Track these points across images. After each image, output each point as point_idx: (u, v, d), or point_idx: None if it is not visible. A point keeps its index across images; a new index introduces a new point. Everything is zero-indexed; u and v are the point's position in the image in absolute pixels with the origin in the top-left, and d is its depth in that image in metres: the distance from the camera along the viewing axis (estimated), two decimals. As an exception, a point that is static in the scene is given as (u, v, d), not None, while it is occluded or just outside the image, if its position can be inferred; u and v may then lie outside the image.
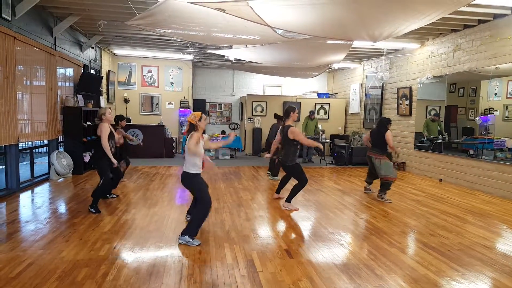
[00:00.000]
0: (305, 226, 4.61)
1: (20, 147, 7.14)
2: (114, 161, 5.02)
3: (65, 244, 3.71)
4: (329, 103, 13.29)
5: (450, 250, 3.85)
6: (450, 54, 7.94)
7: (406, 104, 9.56)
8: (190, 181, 3.93)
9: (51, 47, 7.25)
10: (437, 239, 4.20)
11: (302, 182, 5.51)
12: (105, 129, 4.99)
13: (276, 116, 9.40)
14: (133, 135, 10.60)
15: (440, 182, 8.00)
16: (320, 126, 12.50)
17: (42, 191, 6.23)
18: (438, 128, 8.71)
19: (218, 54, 10.33)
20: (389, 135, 6.16)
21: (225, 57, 10.32)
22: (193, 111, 13.52)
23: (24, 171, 7.14)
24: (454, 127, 8.72)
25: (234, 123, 14.42)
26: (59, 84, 7.77)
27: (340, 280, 3.07)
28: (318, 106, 13.21)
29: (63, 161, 7.38)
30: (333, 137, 12.58)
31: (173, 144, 12.09)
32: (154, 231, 4.21)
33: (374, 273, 3.24)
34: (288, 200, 5.59)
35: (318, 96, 13.58)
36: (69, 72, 8.36)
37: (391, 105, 10.37)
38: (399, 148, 9.89)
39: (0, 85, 5.41)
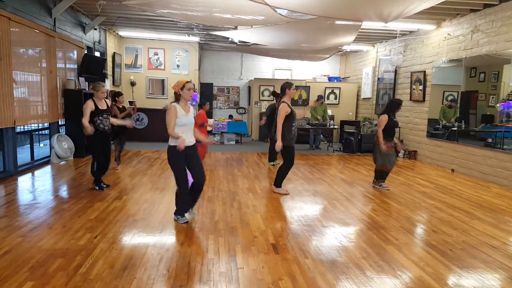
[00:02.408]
0: (298, 218, 4.39)
1: (20, 130, 7.15)
2: (87, 126, 4.85)
3: (47, 232, 3.61)
4: (340, 88, 12.86)
5: (451, 249, 3.59)
6: (468, 36, 7.42)
7: (420, 89, 9.09)
8: (167, 153, 3.87)
9: (50, 29, 7.10)
10: (439, 236, 3.93)
11: (287, 164, 5.34)
12: (85, 106, 4.94)
13: (274, 93, 8.89)
14: (137, 119, 10.53)
15: (452, 173, 7.62)
16: (329, 112, 12.13)
17: (40, 175, 6.20)
18: (456, 115, 8.25)
19: (224, 36, 10.03)
20: (381, 120, 5.70)
21: (230, 39, 9.98)
22: (200, 95, 13.36)
23: (26, 154, 7.14)
24: (474, 114, 8.21)
25: (241, 108, 14.17)
26: (60, 66, 7.66)
27: (323, 280, 2.86)
28: (328, 91, 12.80)
29: (63, 144, 7.33)
30: (343, 123, 12.21)
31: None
32: (141, 220, 4.08)
33: (364, 273, 3.02)
34: (277, 184, 5.44)
35: (329, 80, 13.15)
36: (71, 54, 8.24)
37: (404, 90, 9.90)
38: (410, 135, 9.49)
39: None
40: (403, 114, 9.70)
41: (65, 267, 2.90)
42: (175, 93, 3.93)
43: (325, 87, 12.77)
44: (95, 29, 9.42)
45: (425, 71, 8.84)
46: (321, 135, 11.13)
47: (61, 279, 2.71)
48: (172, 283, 2.72)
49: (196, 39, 11.40)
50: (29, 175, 6.14)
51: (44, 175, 6.22)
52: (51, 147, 7.20)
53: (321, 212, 4.66)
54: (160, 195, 5.12)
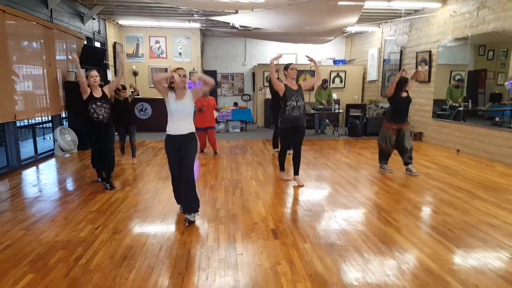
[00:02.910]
0: (300, 204, 4.39)
1: (22, 124, 7.23)
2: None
3: (49, 224, 3.67)
4: (345, 71, 12.66)
5: (451, 229, 3.56)
6: (474, 13, 7.20)
7: (426, 70, 8.91)
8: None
9: (47, 20, 7.08)
10: (440, 217, 3.90)
11: (282, 146, 5.30)
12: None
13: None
14: (141, 109, 10.55)
15: (457, 153, 7.52)
16: (335, 96, 11.99)
17: (44, 168, 6.28)
18: (463, 95, 8.09)
19: (225, 22, 9.90)
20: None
21: (231, 24, 9.85)
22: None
23: (30, 148, 7.23)
24: (482, 93, 8.04)
25: (246, 95, 14.07)
26: (60, 58, 7.67)
27: (322, 263, 2.87)
28: (333, 74, 12.62)
29: (67, 137, 7.40)
30: (349, 106, 12.07)
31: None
32: (142, 210, 4.12)
33: (362, 255, 3.02)
34: (281, 169, 5.46)
35: (334, 63, 12.95)
36: (70, 45, 8.23)
37: (409, 71, 9.69)
38: (415, 117, 9.36)
39: (-9, 62, 5.35)
40: (410, 95, 9.52)
41: (65, 258, 2.95)
42: (168, 79, 3.84)
43: (330, 71, 12.59)
44: (94, 18, 9.37)
45: (430, 51, 8.65)
46: (327, 120, 11.03)
47: (61, 270, 2.76)
48: (171, 271, 2.76)
49: (197, 25, 11.29)
50: (33, 168, 6.23)
51: (48, 168, 6.30)
52: (54, 140, 7.27)
53: (323, 197, 4.65)
54: (163, 185, 5.15)
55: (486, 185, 5.13)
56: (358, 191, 4.88)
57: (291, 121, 5.02)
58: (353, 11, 7.23)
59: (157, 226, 3.65)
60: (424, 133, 9.06)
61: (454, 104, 8.16)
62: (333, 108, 10.12)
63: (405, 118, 5.77)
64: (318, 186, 5.15)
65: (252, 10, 7.73)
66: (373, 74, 11.90)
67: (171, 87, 3.69)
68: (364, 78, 12.69)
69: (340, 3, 6.58)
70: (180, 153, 3.68)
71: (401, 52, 10.03)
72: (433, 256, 3.02)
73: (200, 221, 3.80)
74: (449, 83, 8.32)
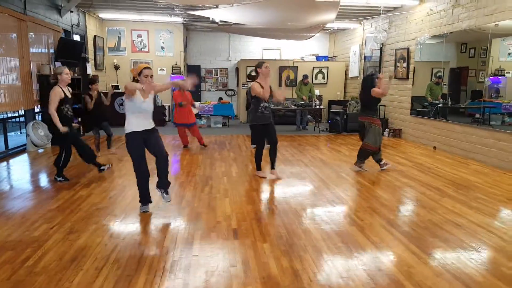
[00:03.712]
0: (266, 202, 4.34)
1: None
2: (61, 127, 4.67)
3: (4, 223, 3.55)
4: (327, 67, 12.63)
5: (414, 229, 3.54)
6: (449, 11, 7.21)
7: (404, 67, 8.92)
8: (125, 140, 3.85)
9: (20, 12, 6.86)
10: (405, 216, 3.89)
11: (257, 146, 5.31)
12: (54, 94, 4.71)
13: (249, 76, 8.53)
14: (121, 104, 10.37)
15: (434, 150, 7.55)
16: (317, 92, 11.95)
17: (14, 163, 6.11)
18: (442, 91, 8.11)
19: (207, 17, 9.75)
20: (374, 90, 5.48)
21: (211, 19, 9.72)
22: (186, 77, 13.15)
23: (1, 143, 7.04)
24: (464, 90, 8.08)
25: (231, 90, 13.96)
26: (34, 51, 7.46)
27: (277, 265, 2.81)
28: (316, 70, 12.58)
29: (40, 132, 7.21)
30: (331, 102, 12.06)
31: (165, 112, 11.84)
32: (104, 208, 4.01)
33: (320, 255, 2.97)
34: (257, 167, 5.41)
35: (316, 60, 12.91)
36: (46, 38, 8.01)
37: (389, 68, 9.70)
38: (395, 114, 9.38)
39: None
40: (388, 92, 9.55)
41: (12, 260, 2.84)
42: (133, 78, 3.81)
43: (313, 67, 12.55)
44: (71, 11, 9.14)
45: (408, 48, 8.65)
46: (309, 116, 10.99)
47: (5, 273, 2.65)
48: (120, 274, 2.67)
49: (180, 19, 11.12)
50: (2, 164, 6.05)
51: (17, 163, 6.13)
52: (27, 135, 7.08)
53: (292, 195, 4.59)
54: (131, 182, 4.97)
55: (457, 183, 5.14)
56: (328, 189, 4.84)
57: (263, 119, 5.14)
58: (330, 7, 7.19)
59: (115, 226, 3.56)
60: (402, 130, 9.08)
61: (434, 101, 8.18)
62: (314, 104, 10.08)
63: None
64: (289, 184, 5.10)
65: (232, 5, 7.61)
66: (354, 70, 11.88)
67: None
68: (346, 74, 12.67)
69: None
70: (146, 146, 3.80)
71: (381, 49, 10.02)
72: (392, 257, 2.99)
73: (161, 220, 3.72)
74: (431, 80, 8.34)
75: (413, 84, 8.66)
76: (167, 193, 3.98)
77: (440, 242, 3.28)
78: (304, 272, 2.73)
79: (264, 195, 4.58)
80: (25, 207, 4.04)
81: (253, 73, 5.29)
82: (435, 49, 8.14)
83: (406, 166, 6.09)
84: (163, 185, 3.95)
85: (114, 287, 2.50)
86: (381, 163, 5.78)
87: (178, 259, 2.91)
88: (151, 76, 3.70)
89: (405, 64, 8.81)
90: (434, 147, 7.68)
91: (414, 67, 8.58)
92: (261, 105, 5.09)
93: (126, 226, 3.54)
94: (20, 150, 7.01)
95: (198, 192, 4.64)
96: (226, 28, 11.10)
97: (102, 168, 5.30)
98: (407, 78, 8.77)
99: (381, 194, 4.64)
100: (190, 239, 3.28)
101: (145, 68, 3.70)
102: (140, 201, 3.94)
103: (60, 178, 5.01)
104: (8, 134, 7.50)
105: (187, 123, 7.41)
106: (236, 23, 9.56)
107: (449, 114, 7.74)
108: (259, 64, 5.15)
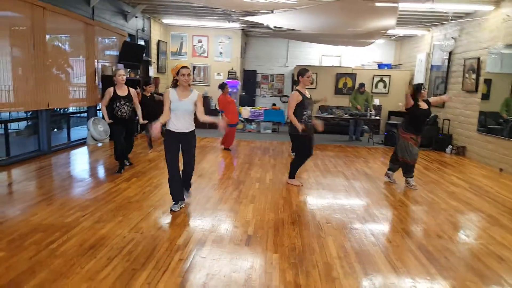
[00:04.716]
0: (290, 212, 4.19)
1: (61, 113, 7.81)
2: (107, 119, 5.31)
3: (43, 208, 3.89)
4: (390, 75, 11.99)
5: (447, 257, 3.17)
6: (527, 16, 6.41)
7: (473, 78, 8.11)
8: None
9: (88, 17, 7.55)
10: (440, 242, 3.50)
11: (299, 156, 5.21)
12: (106, 92, 5.32)
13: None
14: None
15: (500, 173, 6.75)
16: (377, 101, 11.43)
17: (72, 155, 6.70)
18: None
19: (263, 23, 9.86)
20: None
21: (265, 25, 9.78)
22: (243, 82, 13.38)
23: (73, 135, 7.81)
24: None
25: (285, 96, 13.91)
26: (100, 53, 8.15)
27: (281, 277, 2.70)
28: (377, 79, 12.01)
29: (99, 127, 7.84)
30: (390, 113, 11.41)
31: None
32: (134, 202, 4.21)
33: (329, 274, 2.79)
34: (290, 176, 5.32)
35: (378, 67, 12.33)
36: (111, 41, 8.71)
37: (457, 79, 8.92)
38: (460, 129, 8.56)
39: (29, 54, 5.81)
40: (454, 105, 8.80)
41: (40, 241, 3.10)
42: (173, 77, 3.94)
43: (374, 75, 12.00)
44: (136, 17, 9.82)
45: (479, 58, 7.85)
46: (365, 126, 10.51)
47: (29, 253, 2.90)
48: (127, 266, 2.77)
49: (238, 25, 11.38)
50: (62, 155, 6.67)
51: (75, 155, 6.72)
52: (87, 130, 7.74)
53: (318, 207, 4.40)
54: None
55: (516, 211, 4.52)
56: (362, 205, 4.56)
57: (307, 129, 5.02)
58: (388, 12, 6.83)
59: (138, 219, 3.70)
60: (467, 147, 8.26)
61: (509, 117, 7.27)
62: (368, 114, 9.62)
63: (421, 130, 5.33)
64: (320, 196, 4.89)
65: (286, 10, 7.62)
66: (420, 80, 11.09)
67: (175, 84, 3.89)
68: (411, 84, 11.89)
69: (371, 4, 6.25)
70: (180, 148, 3.96)
71: (449, 58, 9.24)
72: (410, 284, 2.71)
73: (182, 218, 3.80)
74: (511, 94, 7.39)
75: (488, 99, 7.74)
76: (187, 190, 4.31)
77: (473, 275, 2.90)
78: (307, 288, 2.59)
79: (291, 205, 4.45)
80: (68, 194, 4.40)
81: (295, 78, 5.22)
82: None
83: (460, 188, 5.52)
84: (185, 186, 4.23)
85: (117, 278, 2.59)
86: (389, 173, 5.65)
87: (185, 258, 2.94)
88: (188, 74, 3.80)
89: (474, 76, 8.02)
90: (501, 169, 6.87)
91: (485, 79, 7.75)
92: (304, 113, 4.96)
93: (148, 221, 3.67)
94: (80, 143, 7.68)
95: (227, 195, 4.66)
96: (282, 34, 11.11)
97: (120, 170, 5.47)
98: (476, 91, 7.96)
99: (422, 216, 4.25)
100: (203, 240, 3.29)
101: (182, 67, 3.82)
102: (173, 199, 4.05)
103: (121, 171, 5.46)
104: (72, 128, 8.29)
105: (232, 123, 7.61)
106: (290, 29, 9.52)
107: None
108: (302, 72, 5.01)
